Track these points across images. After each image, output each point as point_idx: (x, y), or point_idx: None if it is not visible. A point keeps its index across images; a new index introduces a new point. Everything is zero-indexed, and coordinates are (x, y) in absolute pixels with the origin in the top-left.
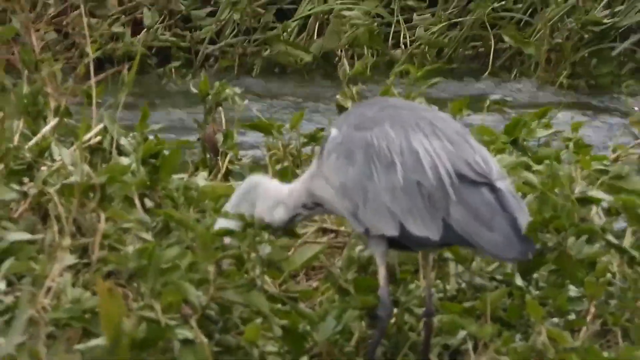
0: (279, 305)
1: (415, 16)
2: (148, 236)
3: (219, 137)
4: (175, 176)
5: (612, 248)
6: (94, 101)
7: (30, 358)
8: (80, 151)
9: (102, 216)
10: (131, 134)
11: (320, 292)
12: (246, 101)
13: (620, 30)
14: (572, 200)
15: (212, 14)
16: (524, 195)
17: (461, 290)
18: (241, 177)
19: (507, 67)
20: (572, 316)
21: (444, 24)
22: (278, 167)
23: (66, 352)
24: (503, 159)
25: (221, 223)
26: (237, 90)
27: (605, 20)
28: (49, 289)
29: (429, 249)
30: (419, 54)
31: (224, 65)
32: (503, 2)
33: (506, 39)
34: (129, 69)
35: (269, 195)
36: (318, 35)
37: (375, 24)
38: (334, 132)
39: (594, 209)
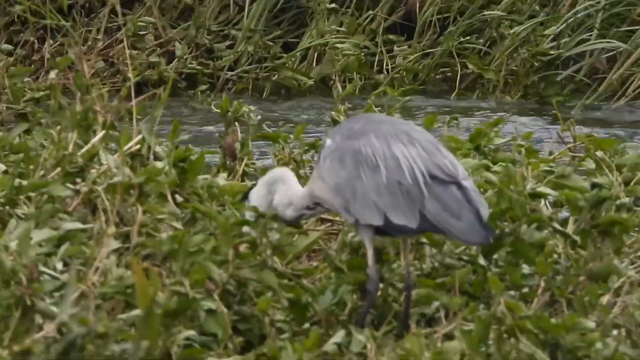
0: (286, 281)
1: (395, 47)
2: (178, 225)
3: (237, 146)
4: (200, 177)
5: (558, 234)
6: (134, 117)
7: (80, 325)
8: (122, 157)
9: (140, 209)
10: (164, 143)
11: (319, 270)
12: (258, 116)
13: (562, 59)
14: (524, 195)
15: (230, 47)
16: (485, 191)
17: (435, 268)
18: (255, 178)
19: (470, 88)
20: (526, 290)
21: (418, 53)
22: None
23: (110, 321)
24: (468, 162)
25: (247, 214)
26: (252, 107)
27: (551, 52)
28: (97, 269)
29: (408, 236)
30: (398, 78)
31: (240, 88)
32: (468, 37)
33: (470, 65)
34: (163, 91)
35: (286, 194)
36: (316, 63)
37: (363, 54)
38: (328, 141)
39: (542, 202)
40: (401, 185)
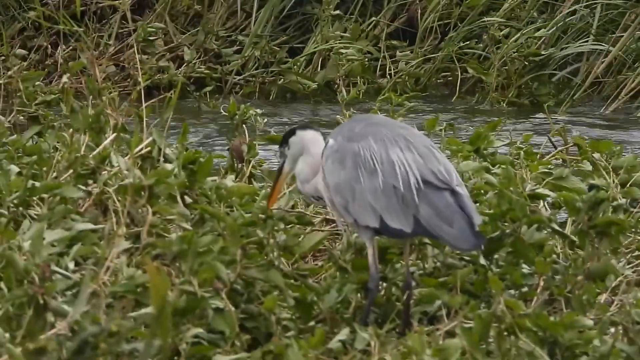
0: (292, 281)
1: (397, 53)
2: (187, 226)
3: (244, 148)
4: (209, 178)
5: (557, 234)
6: (144, 120)
7: (92, 323)
8: (133, 159)
9: (150, 210)
10: (174, 146)
11: (324, 270)
12: (265, 119)
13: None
14: (524, 196)
15: (238, 52)
16: (486, 193)
17: (437, 268)
18: (262, 179)
19: (470, 92)
20: (526, 289)
21: (420, 58)
22: None
23: (121, 319)
24: (468, 164)
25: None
26: (258, 111)
27: (542, 52)
28: (108, 268)
29: (403, 239)
30: (400, 82)
31: (247, 92)
32: (467, 42)
33: (469, 70)
34: (172, 95)
35: (304, 169)
36: (321, 68)
37: (366, 59)
38: (331, 141)
39: (541, 203)
40: (396, 190)
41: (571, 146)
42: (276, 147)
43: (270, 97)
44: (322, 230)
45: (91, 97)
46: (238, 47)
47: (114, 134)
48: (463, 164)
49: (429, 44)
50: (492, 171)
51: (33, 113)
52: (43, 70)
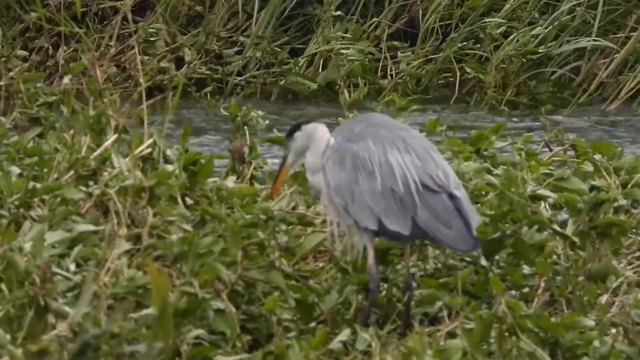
0: (293, 282)
1: (399, 53)
2: (188, 227)
3: (246, 150)
4: (209, 180)
5: (557, 235)
6: (145, 121)
7: (93, 324)
8: (134, 160)
9: (151, 211)
10: (175, 147)
11: (325, 271)
12: (267, 121)
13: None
14: (525, 197)
15: (239, 52)
16: (487, 194)
17: (437, 269)
18: (263, 181)
19: (471, 93)
20: (526, 289)
21: (421, 59)
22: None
23: (122, 320)
24: (469, 165)
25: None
26: (260, 112)
27: (539, 50)
28: (109, 270)
29: (401, 242)
30: (401, 83)
31: (249, 93)
32: (465, 43)
33: (468, 69)
34: (173, 96)
35: (311, 159)
36: (322, 69)
37: (367, 59)
38: (332, 141)
39: (542, 204)
40: (394, 193)
41: (568, 148)
42: (277, 148)
43: (272, 98)
44: (323, 232)
45: (92, 98)
46: (239, 48)
47: (115, 135)
48: (464, 165)
49: (430, 44)
50: (494, 172)
51: (34, 114)
52: (44, 71)
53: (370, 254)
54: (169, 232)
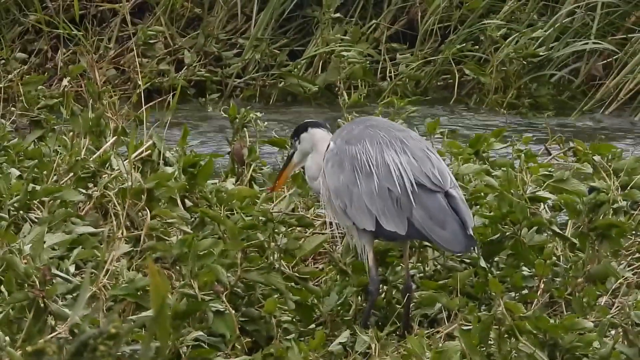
0: (292, 284)
1: (398, 55)
2: (187, 229)
3: (245, 152)
4: (209, 182)
5: (557, 236)
6: (144, 123)
7: (92, 326)
8: (132, 163)
9: (150, 213)
10: (174, 149)
11: (325, 273)
12: (266, 123)
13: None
14: (524, 198)
15: (238, 55)
16: (486, 195)
17: (437, 270)
18: (263, 183)
19: (470, 95)
20: (526, 291)
21: (420, 61)
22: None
23: (121, 322)
24: (469, 166)
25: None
26: (259, 114)
27: (541, 53)
28: (108, 271)
29: (398, 242)
30: (401, 85)
31: (248, 95)
32: (464, 45)
33: (467, 71)
34: (172, 98)
35: (312, 165)
36: (322, 71)
37: (367, 61)
38: (331, 144)
39: (542, 205)
40: (391, 193)
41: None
42: (276, 149)
43: (271, 101)
44: (322, 233)
45: (91, 100)
46: (238, 50)
47: (114, 137)
48: (463, 167)
49: (429, 46)
50: (493, 173)
51: (35, 117)
52: (43, 74)
53: (370, 255)
54: (168, 234)
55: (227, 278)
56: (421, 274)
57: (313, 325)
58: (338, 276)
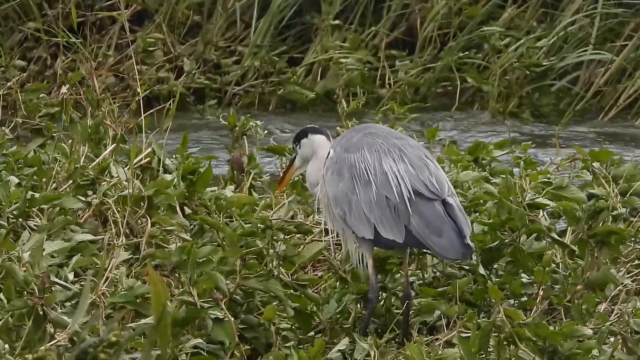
0: (292, 291)
1: (397, 62)
2: (187, 236)
3: (244, 159)
4: (208, 189)
5: (556, 244)
6: (143, 131)
7: (91, 333)
8: (132, 170)
9: (150, 220)
10: (173, 156)
11: (324, 280)
12: (265, 131)
13: (559, 72)
14: (523, 205)
15: (237, 62)
16: (485, 202)
17: (436, 278)
18: (262, 190)
19: (470, 102)
20: (525, 298)
21: (419, 68)
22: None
23: (120, 329)
24: (468, 174)
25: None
26: (259, 122)
27: (544, 63)
28: (107, 279)
29: (396, 250)
30: (400, 92)
31: (247, 102)
32: (467, 52)
33: (468, 79)
34: (172, 105)
35: (312, 172)
36: (321, 78)
37: (366, 68)
38: (331, 152)
39: (541, 212)
40: (389, 201)
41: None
42: (276, 156)
43: (270, 108)
44: (321, 241)
45: (90, 108)
46: (237, 58)
47: (114, 145)
48: (463, 174)
49: (429, 53)
50: (492, 180)
51: (36, 125)
52: (43, 81)
53: (370, 263)
54: (167, 241)
55: (226, 285)
56: (420, 282)
57: (312, 333)
58: (337, 283)
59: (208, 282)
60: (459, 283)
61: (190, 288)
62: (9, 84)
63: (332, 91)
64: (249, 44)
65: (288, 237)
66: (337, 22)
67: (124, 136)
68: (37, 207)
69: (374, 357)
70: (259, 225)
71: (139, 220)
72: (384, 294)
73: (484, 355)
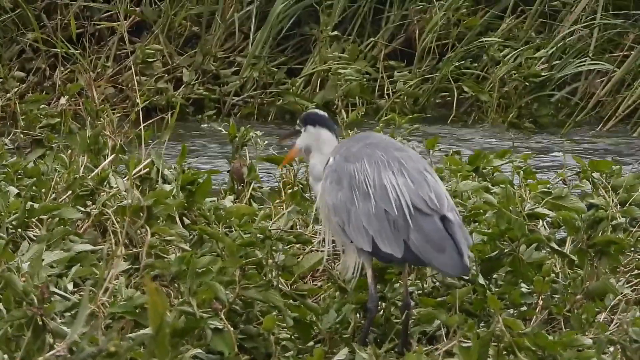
0: (291, 301)
1: (396, 73)
2: (186, 246)
3: (245, 170)
4: (207, 199)
5: (556, 253)
6: (142, 141)
7: (90, 344)
8: (131, 180)
9: (149, 231)
10: (172, 167)
11: (324, 290)
12: (265, 142)
13: (558, 82)
14: (523, 215)
15: (236, 73)
16: (485, 212)
17: (435, 287)
18: (262, 201)
19: (468, 113)
20: (524, 308)
21: (418, 78)
22: (289, 191)
23: (119, 340)
24: (468, 183)
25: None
26: (258, 133)
27: (543, 73)
28: (107, 289)
29: (394, 264)
30: (399, 103)
31: (246, 113)
32: (463, 62)
33: (466, 88)
34: (171, 116)
35: (315, 167)
36: (320, 89)
37: (365, 79)
38: (331, 160)
39: (540, 222)
40: (388, 215)
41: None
42: (275, 166)
43: (269, 118)
44: (321, 250)
45: (89, 118)
46: (236, 68)
47: (113, 155)
48: (462, 184)
49: (427, 64)
50: (492, 190)
51: (36, 136)
52: (42, 92)
53: (369, 273)
54: (167, 251)
55: (226, 295)
56: (420, 291)
57: (312, 343)
58: (337, 293)
59: (207, 292)
60: (458, 293)
61: (190, 298)
62: (8, 95)
63: (331, 102)
64: (248, 54)
65: (287, 247)
66: (335, 33)
67: (123, 147)
68: (36, 218)
69: None
70: (258, 235)
71: (138, 231)
72: (384, 304)
73: None
